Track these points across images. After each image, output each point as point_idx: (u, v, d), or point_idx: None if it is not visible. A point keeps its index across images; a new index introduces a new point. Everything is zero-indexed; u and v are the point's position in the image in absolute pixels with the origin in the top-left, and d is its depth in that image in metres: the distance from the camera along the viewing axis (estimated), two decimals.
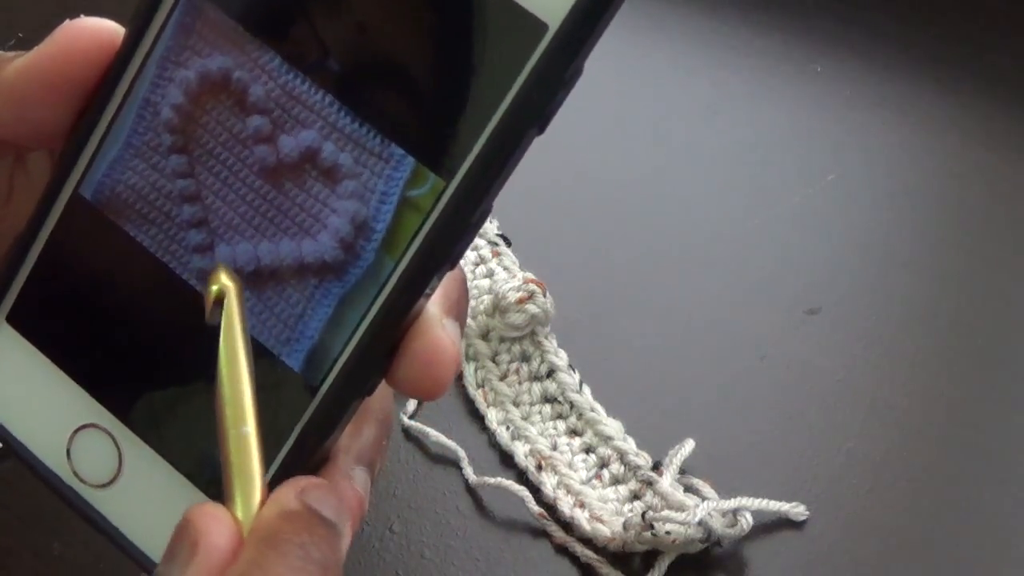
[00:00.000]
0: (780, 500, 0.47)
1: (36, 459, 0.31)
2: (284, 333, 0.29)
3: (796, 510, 0.47)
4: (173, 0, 0.29)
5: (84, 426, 0.31)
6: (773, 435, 0.50)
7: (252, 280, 0.29)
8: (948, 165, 0.60)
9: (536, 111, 0.26)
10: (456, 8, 0.26)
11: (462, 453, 0.49)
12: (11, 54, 0.30)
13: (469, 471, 0.48)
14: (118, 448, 0.30)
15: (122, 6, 0.64)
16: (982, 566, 0.47)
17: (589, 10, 0.25)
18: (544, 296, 0.51)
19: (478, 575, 0.46)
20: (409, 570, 0.46)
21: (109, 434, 0.30)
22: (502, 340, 0.52)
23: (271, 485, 0.29)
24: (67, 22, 0.30)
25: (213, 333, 0.28)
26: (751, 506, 0.46)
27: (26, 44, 0.30)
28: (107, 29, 0.30)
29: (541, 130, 0.27)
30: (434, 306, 0.29)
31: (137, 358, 0.30)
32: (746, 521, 0.46)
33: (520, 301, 0.50)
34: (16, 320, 0.31)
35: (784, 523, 0.48)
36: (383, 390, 0.30)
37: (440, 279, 0.28)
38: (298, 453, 0.29)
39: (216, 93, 0.29)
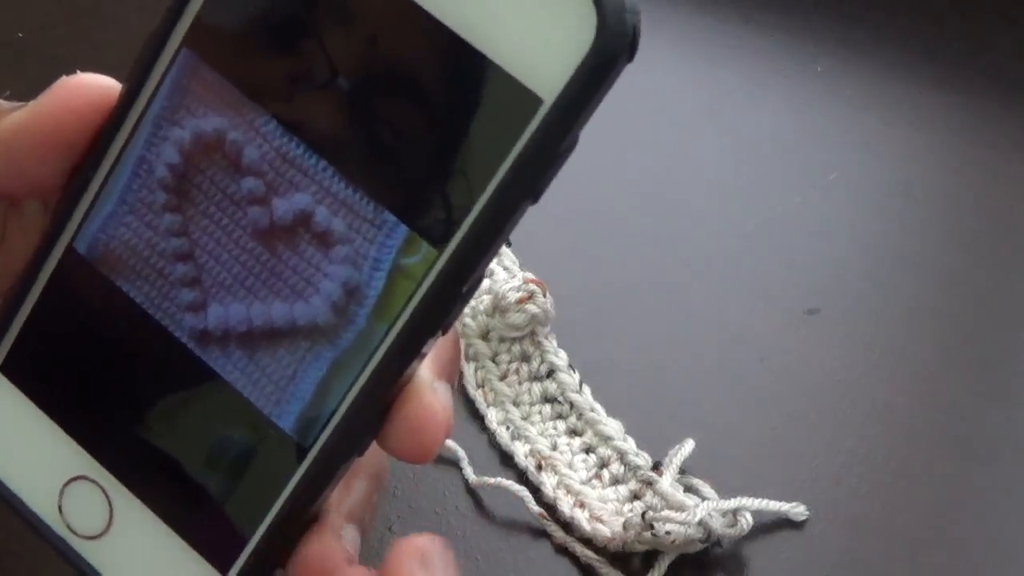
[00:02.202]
0: (780, 500, 0.47)
1: (27, 508, 0.31)
2: (275, 394, 0.29)
3: (796, 510, 0.47)
4: (169, 59, 0.29)
5: (75, 478, 0.31)
6: (773, 435, 0.50)
7: (244, 341, 0.29)
8: (948, 164, 0.60)
9: (530, 183, 0.26)
10: (452, 80, 0.27)
11: (462, 453, 0.49)
12: (7, 105, 0.30)
13: (469, 471, 0.48)
14: (109, 500, 0.30)
15: (120, 7, 0.64)
16: (982, 566, 0.47)
17: (583, 85, 0.26)
18: (544, 296, 0.51)
19: (478, 575, 0.46)
20: None
21: (100, 486, 0.31)
22: (502, 340, 0.52)
23: (260, 545, 0.29)
24: (63, 78, 0.30)
25: (202, 388, 0.29)
26: (751, 506, 0.46)
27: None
28: (103, 86, 0.30)
29: (535, 200, 0.27)
30: (426, 369, 0.29)
31: (128, 412, 0.30)
32: (746, 521, 0.46)
33: (520, 301, 0.50)
34: (9, 370, 0.31)
35: (784, 523, 0.48)
36: (376, 444, 0.30)
37: (432, 344, 0.28)
38: (288, 513, 0.29)
39: (210, 153, 0.29)
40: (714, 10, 0.66)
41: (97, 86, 0.30)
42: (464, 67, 0.26)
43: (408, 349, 0.28)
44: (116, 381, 0.30)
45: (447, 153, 0.27)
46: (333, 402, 0.29)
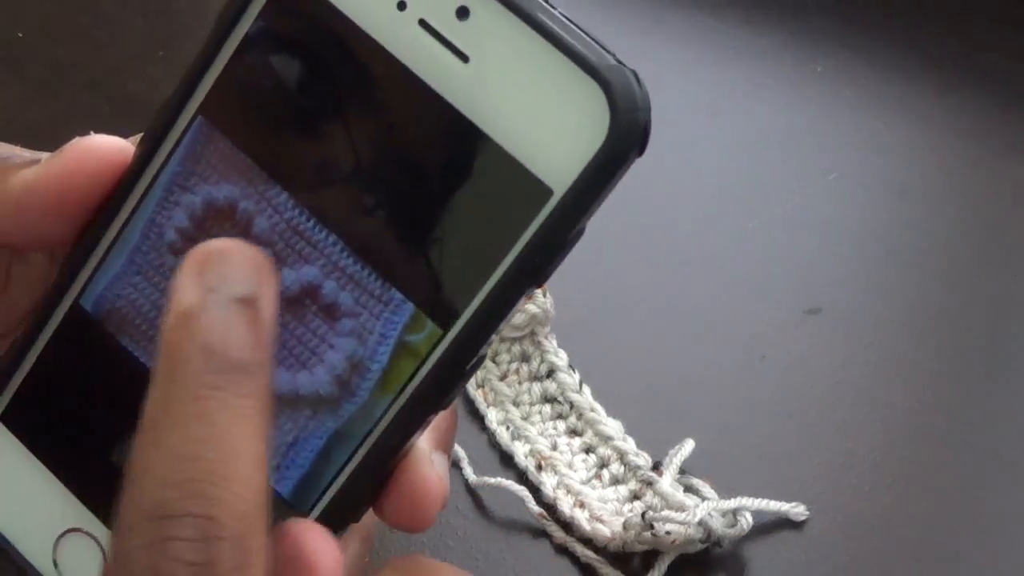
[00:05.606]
0: (780, 500, 0.47)
1: (23, 559, 0.31)
2: (275, 460, 0.29)
3: (796, 510, 0.47)
4: (184, 126, 0.29)
5: (71, 530, 0.31)
6: (773, 435, 0.50)
7: None
8: (948, 165, 0.60)
9: (536, 270, 0.27)
10: (464, 166, 0.27)
11: (462, 453, 0.49)
12: (19, 159, 0.31)
13: (469, 471, 0.48)
14: (104, 553, 0.31)
15: (120, 8, 0.64)
16: (982, 566, 0.47)
17: (594, 179, 0.26)
18: (544, 296, 0.51)
19: (478, 575, 0.46)
20: None
21: (95, 540, 0.31)
22: (502, 340, 0.52)
23: None
24: (77, 139, 0.30)
25: None
26: (751, 506, 0.46)
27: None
28: (116, 149, 0.30)
29: (539, 285, 0.28)
30: (424, 441, 0.29)
31: (126, 468, 0.31)
32: (746, 521, 0.46)
33: None
34: (9, 420, 0.31)
35: (784, 523, 0.48)
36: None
37: (432, 420, 0.29)
38: None
39: (220, 221, 0.29)
40: (714, 10, 0.66)
41: (110, 148, 0.30)
42: (477, 154, 0.27)
43: (408, 424, 0.28)
44: (115, 437, 0.31)
45: (456, 236, 0.27)
46: (332, 471, 0.29)
